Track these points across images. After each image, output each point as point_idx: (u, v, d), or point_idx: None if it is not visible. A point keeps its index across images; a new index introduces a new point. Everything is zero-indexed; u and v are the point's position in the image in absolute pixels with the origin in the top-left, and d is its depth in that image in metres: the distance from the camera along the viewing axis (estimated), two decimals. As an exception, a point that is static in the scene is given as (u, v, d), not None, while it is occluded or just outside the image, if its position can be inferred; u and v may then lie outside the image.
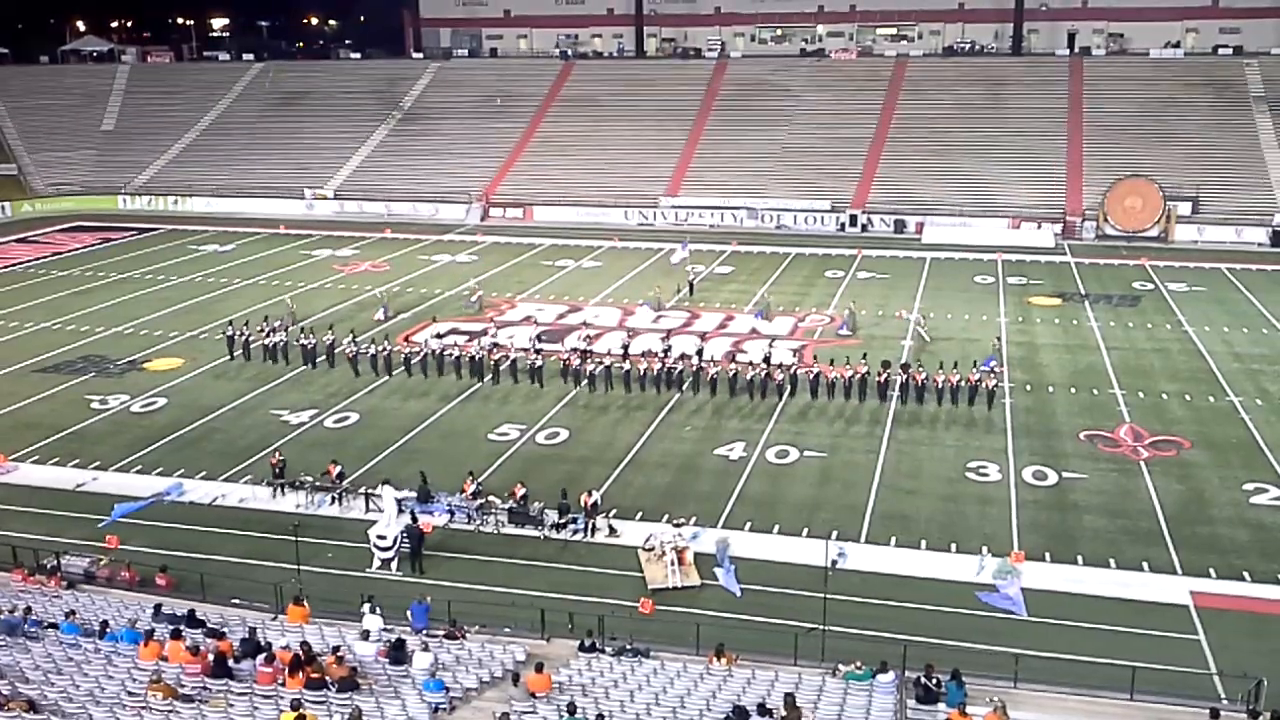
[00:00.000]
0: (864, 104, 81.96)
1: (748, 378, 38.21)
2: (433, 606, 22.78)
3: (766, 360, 39.44)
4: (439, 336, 42.89)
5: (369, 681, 19.14)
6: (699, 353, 40.67)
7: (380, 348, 40.86)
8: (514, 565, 26.65)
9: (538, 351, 40.63)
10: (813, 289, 54.43)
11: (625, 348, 41.77)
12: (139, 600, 23.71)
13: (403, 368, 41.01)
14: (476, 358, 40.44)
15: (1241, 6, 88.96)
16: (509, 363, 40.32)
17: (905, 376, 37.71)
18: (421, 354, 41.03)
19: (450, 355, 40.78)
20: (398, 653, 20.06)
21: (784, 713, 17.50)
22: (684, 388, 38.53)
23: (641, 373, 38.84)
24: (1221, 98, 76.96)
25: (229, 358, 42.68)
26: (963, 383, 36.68)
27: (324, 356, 41.60)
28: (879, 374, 37.71)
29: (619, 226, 72.35)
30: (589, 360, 40.08)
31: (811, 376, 37.98)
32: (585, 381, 39.23)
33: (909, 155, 76.08)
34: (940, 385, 36.79)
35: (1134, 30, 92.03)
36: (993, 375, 37.27)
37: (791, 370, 38.58)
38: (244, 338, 43.01)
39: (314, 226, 72.99)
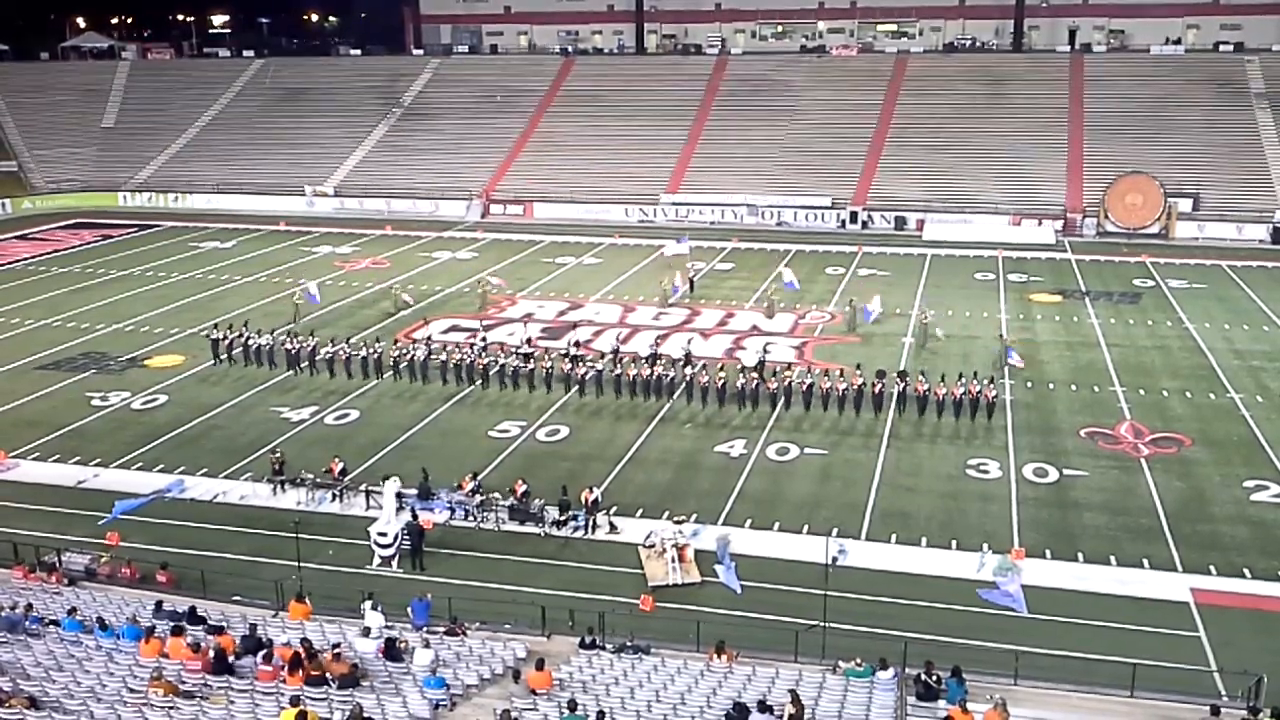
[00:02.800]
0: (865, 101, 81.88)
1: (739, 385, 36.99)
2: (433, 603, 22.80)
3: (760, 367, 38.51)
4: (428, 341, 41.84)
5: (370, 678, 19.14)
6: (687, 358, 39.91)
7: (371, 350, 40.29)
8: (515, 562, 26.65)
9: (526, 357, 39.63)
10: (813, 286, 54.40)
11: (615, 351, 41.04)
12: (140, 597, 23.70)
13: (391, 371, 40.15)
14: (469, 362, 39.49)
15: (1243, 3, 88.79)
16: (498, 368, 39.50)
17: (903, 385, 36.82)
18: (409, 357, 40.07)
19: (436, 360, 39.77)
20: (391, 650, 20.06)
21: (792, 709, 17.47)
22: (674, 396, 37.60)
23: (631, 378, 38.04)
24: (1222, 94, 76.88)
25: (214, 361, 42.02)
26: (965, 395, 35.32)
27: (308, 363, 40.81)
28: (874, 384, 36.38)
29: (619, 223, 72.31)
30: (579, 365, 39.19)
31: (805, 388, 36.61)
32: (576, 387, 38.50)
33: (910, 152, 76.01)
34: (942, 398, 35.56)
35: (1135, 26, 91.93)
36: (993, 385, 36.17)
37: (786, 382, 37.34)
38: (228, 341, 42.20)
39: (314, 223, 72.94)
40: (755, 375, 37.54)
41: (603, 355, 40.98)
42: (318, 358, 40.83)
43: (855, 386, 36.25)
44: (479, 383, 39.21)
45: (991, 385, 36.12)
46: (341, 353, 40.61)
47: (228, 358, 42.12)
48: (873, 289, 52.38)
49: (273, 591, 23.88)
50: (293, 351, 41.12)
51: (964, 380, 35.90)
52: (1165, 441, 33.86)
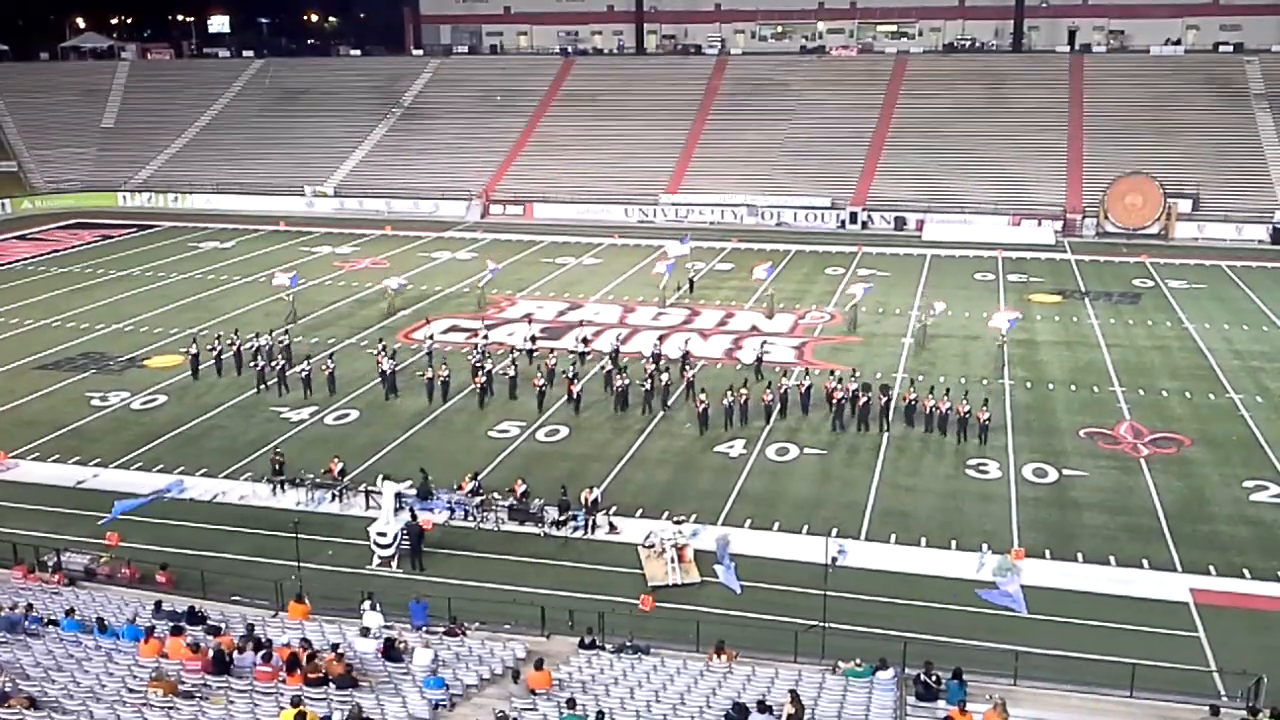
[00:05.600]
0: (864, 101, 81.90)
1: (725, 404, 34.91)
2: (430, 604, 22.76)
3: (756, 365, 37.83)
4: (427, 342, 41.53)
5: (369, 679, 19.14)
6: (682, 364, 39.12)
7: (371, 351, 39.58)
8: (514, 562, 26.65)
9: (529, 353, 39.06)
10: (813, 286, 54.40)
11: (615, 352, 40.18)
12: (139, 597, 23.71)
13: (379, 380, 38.82)
14: (474, 364, 38.37)
15: (1242, 3, 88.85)
16: (486, 378, 37.79)
17: (886, 399, 35.57)
18: (390, 372, 38.41)
19: (419, 376, 38.49)
20: (390, 650, 20.07)
21: (791, 710, 17.45)
22: (667, 407, 36.53)
23: (622, 387, 36.85)
24: (1222, 95, 76.92)
25: (193, 376, 39.99)
26: (951, 412, 33.92)
27: (276, 380, 38.65)
28: (860, 397, 34.66)
29: (619, 223, 72.31)
30: (579, 364, 38.46)
31: (803, 391, 35.95)
32: (568, 399, 37.11)
33: (909, 152, 76.00)
34: (929, 411, 34.32)
35: (1135, 27, 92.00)
36: (986, 408, 34.26)
37: (782, 390, 36.47)
38: (216, 351, 40.46)
39: (314, 223, 72.93)
40: (745, 391, 35.57)
41: (600, 358, 40.45)
42: (288, 373, 38.82)
43: (849, 393, 34.94)
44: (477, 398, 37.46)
45: (985, 407, 34.17)
46: (324, 366, 38.78)
47: (217, 368, 40.19)
48: (871, 290, 52.44)
49: (272, 591, 23.87)
50: (258, 369, 39.12)
51: (951, 399, 34.53)
52: (1165, 441, 33.86)
